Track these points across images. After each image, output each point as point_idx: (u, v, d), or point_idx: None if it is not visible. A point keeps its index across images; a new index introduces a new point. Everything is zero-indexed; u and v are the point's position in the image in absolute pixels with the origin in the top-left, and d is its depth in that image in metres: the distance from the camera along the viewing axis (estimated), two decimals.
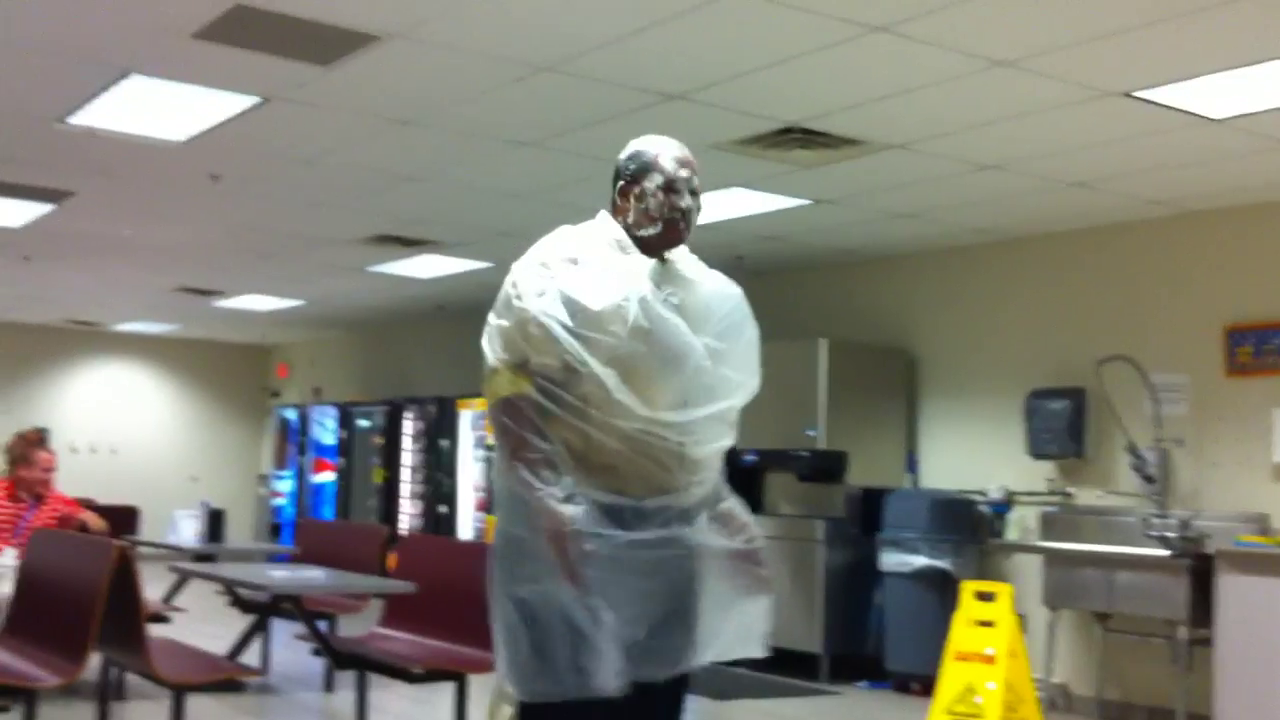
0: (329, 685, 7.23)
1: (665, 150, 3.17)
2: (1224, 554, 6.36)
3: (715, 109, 5.75)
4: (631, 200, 3.14)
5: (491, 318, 3.08)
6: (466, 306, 12.50)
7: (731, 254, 8.70)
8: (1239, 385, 6.99)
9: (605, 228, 3.16)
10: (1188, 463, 7.16)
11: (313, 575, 6.36)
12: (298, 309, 13.06)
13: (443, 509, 12.19)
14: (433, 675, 5.38)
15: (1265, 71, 4.97)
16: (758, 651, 3.19)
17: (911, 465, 8.69)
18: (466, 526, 11.92)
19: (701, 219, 7.35)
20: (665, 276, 3.12)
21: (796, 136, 6.11)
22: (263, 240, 9.32)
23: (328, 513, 14.01)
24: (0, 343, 15.38)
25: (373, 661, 5.58)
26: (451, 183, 7.42)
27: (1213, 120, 5.58)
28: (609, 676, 2.93)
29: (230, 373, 16.54)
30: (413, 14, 4.81)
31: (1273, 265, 6.94)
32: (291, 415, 15.34)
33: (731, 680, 8.14)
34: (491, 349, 3.04)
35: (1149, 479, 7.01)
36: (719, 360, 3.10)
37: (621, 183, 3.18)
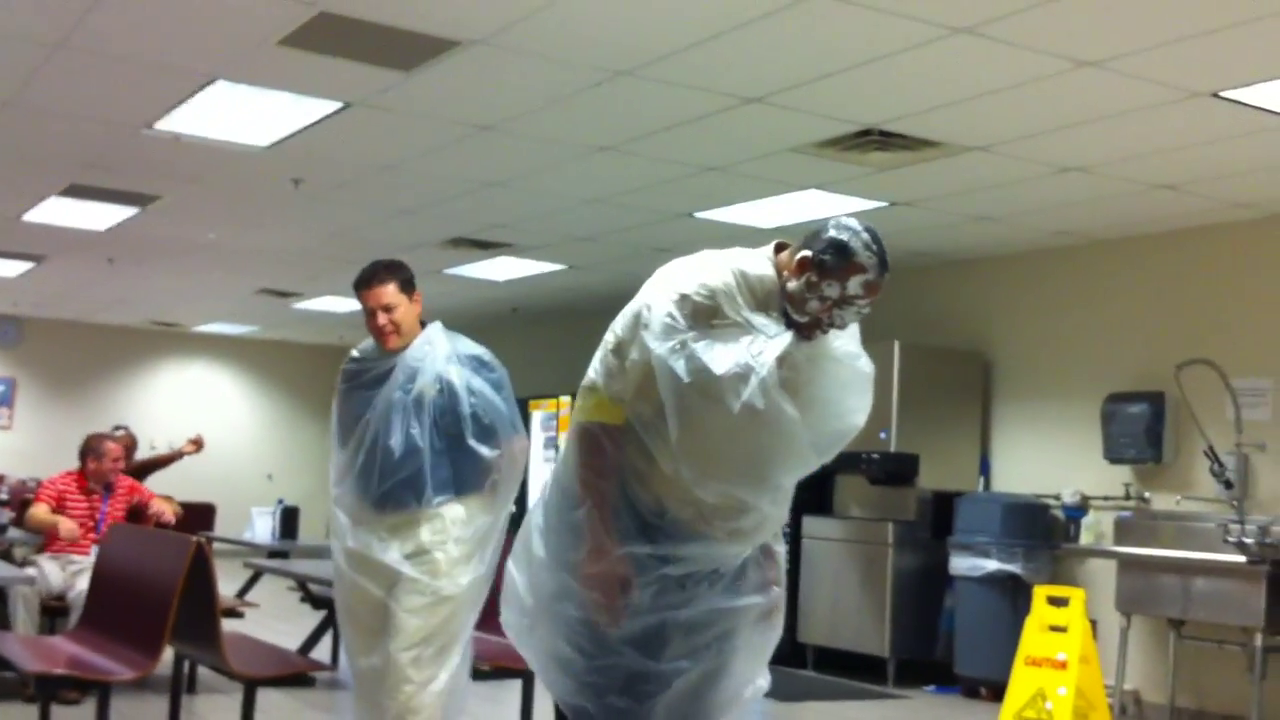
0: None
1: (866, 273, 2.87)
2: None
3: (793, 112, 5.76)
4: (804, 278, 2.90)
5: (612, 329, 3.00)
6: (540, 308, 12.58)
7: None
8: None
9: (763, 271, 2.97)
10: (1268, 468, 7.06)
11: None
12: None
13: (512, 508, 12.24)
14: (500, 673, 5.42)
15: None
16: (765, 688, 3.20)
17: (984, 469, 8.64)
18: None
19: (777, 221, 7.37)
20: (802, 347, 2.94)
21: (874, 139, 6.11)
22: (342, 244, 9.46)
23: None
24: (84, 344, 15.71)
25: None
26: (529, 187, 7.49)
27: None
28: None
29: (307, 373, 16.75)
30: (494, 20, 4.87)
31: None
32: None
33: (798, 682, 8.15)
34: (603, 366, 2.97)
35: (1228, 484, 6.92)
36: (816, 449, 2.99)
37: (805, 254, 2.91)
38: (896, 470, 8.32)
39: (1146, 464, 7.60)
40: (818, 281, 2.88)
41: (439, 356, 4.16)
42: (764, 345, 2.87)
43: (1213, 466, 6.95)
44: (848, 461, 8.52)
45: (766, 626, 3.15)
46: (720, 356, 2.82)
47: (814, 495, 8.72)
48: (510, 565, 3.20)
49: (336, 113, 6.13)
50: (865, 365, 3.07)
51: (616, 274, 10.22)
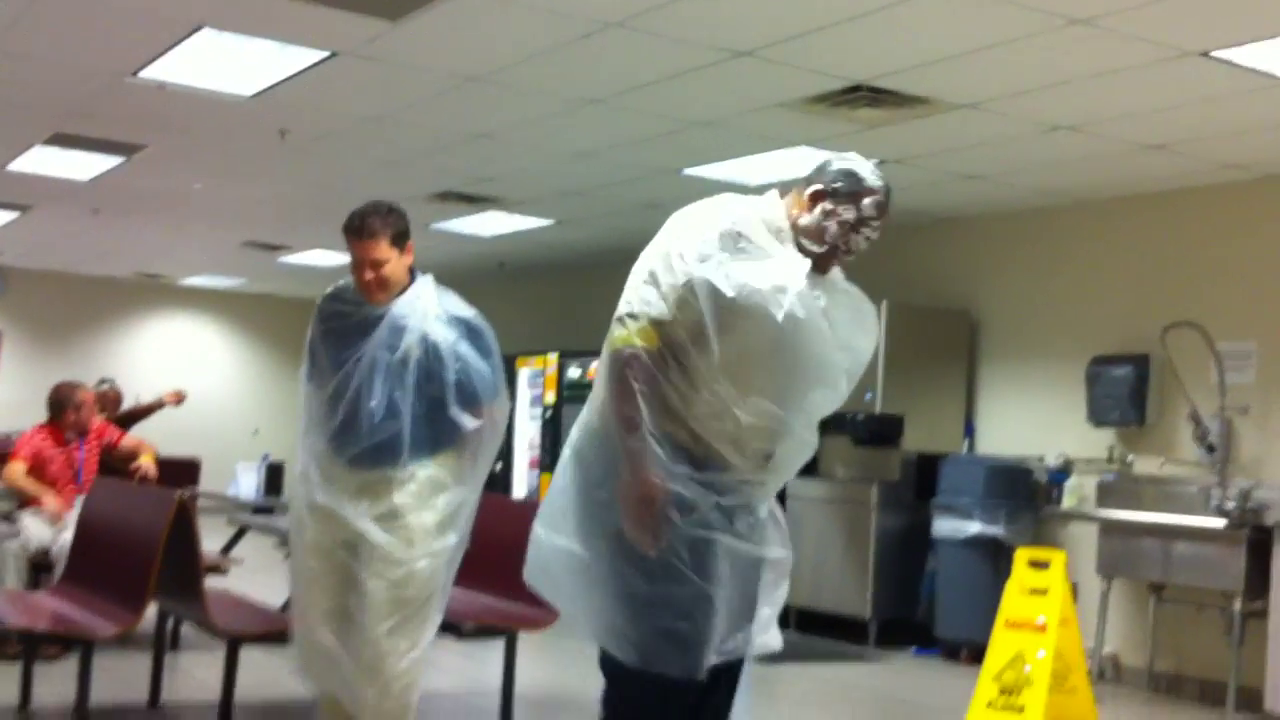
0: None
1: (876, 194, 3.15)
2: None
3: (783, 66, 5.73)
4: (818, 209, 3.14)
5: (640, 267, 3.09)
6: (527, 264, 12.55)
7: None
8: None
9: (773, 212, 3.15)
10: (1251, 432, 7.08)
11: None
12: None
13: (498, 467, 12.27)
14: (483, 631, 5.41)
15: None
16: (777, 645, 3.34)
17: (969, 430, 8.65)
18: (521, 484, 12.01)
19: (765, 178, 7.36)
20: (815, 280, 3.13)
21: (864, 95, 6.08)
22: (329, 196, 9.39)
23: None
24: (69, 295, 15.63)
25: None
26: (518, 141, 7.45)
27: None
28: (710, 656, 3.08)
29: (293, 328, 16.52)
30: None
31: None
32: None
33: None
34: (637, 296, 3.04)
35: (1211, 448, 6.95)
36: (842, 374, 3.18)
37: (818, 186, 3.15)
38: (882, 431, 8.33)
39: (1130, 427, 7.62)
40: (833, 208, 3.12)
41: (427, 314, 4.07)
42: (792, 263, 3.06)
43: (1196, 430, 6.97)
44: (833, 422, 8.43)
45: (775, 588, 3.28)
46: (760, 272, 3.00)
47: None
48: (539, 528, 3.22)
49: (323, 62, 6.08)
50: (869, 305, 3.28)
51: (604, 230, 10.19)
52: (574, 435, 3.22)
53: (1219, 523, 6.56)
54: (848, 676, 7.38)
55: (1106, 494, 7.52)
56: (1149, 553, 6.96)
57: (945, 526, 7.85)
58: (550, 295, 13.32)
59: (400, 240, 4.11)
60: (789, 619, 8.61)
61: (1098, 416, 7.70)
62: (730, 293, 2.96)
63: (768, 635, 3.29)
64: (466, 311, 4.18)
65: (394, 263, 4.08)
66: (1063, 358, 8.06)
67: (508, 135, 7.34)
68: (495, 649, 5.65)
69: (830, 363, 3.13)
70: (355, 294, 4.15)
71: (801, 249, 3.13)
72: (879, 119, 6.46)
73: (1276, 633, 6.25)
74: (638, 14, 5.18)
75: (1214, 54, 5.22)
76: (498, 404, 4.12)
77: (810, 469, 8.84)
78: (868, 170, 3.16)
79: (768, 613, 3.28)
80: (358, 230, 4.06)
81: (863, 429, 8.35)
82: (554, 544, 3.18)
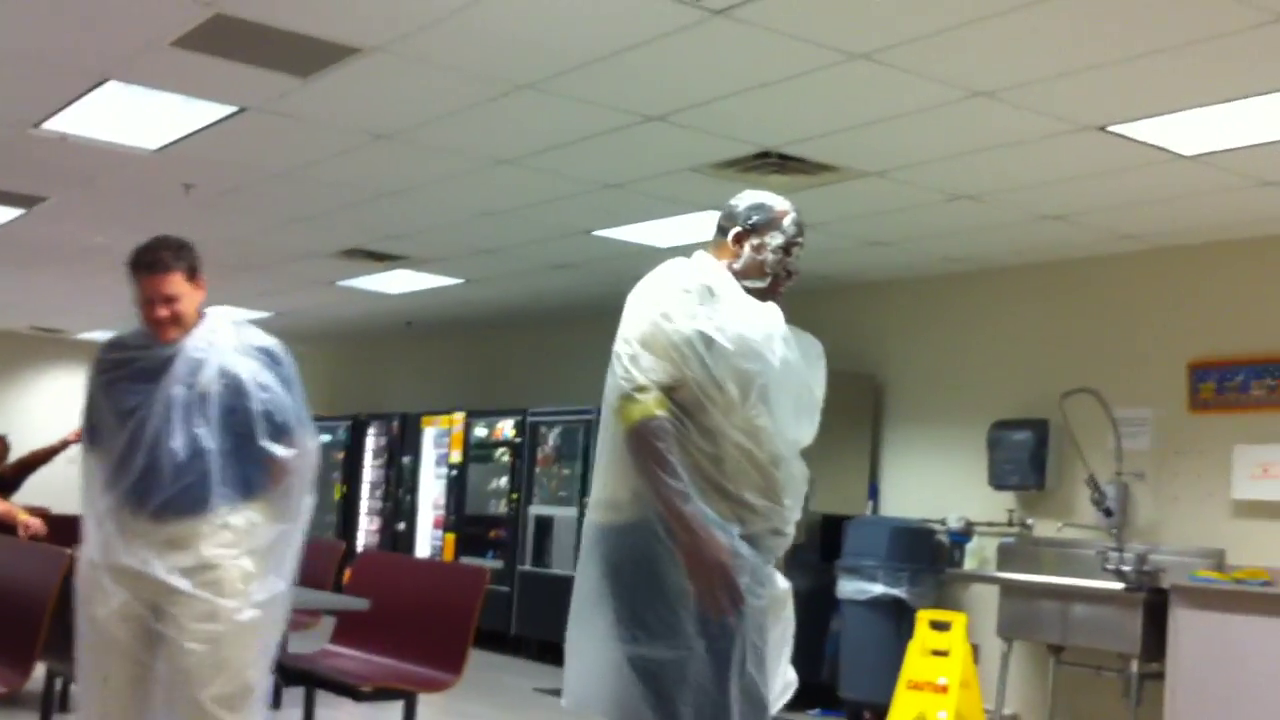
0: (276, 702, 7.08)
1: (789, 212, 3.31)
2: (1179, 589, 6.43)
3: (693, 131, 5.79)
4: (746, 249, 3.26)
5: (628, 344, 3.08)
6: (435, 323, 12.48)
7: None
8: (1201, 421, 7.08)
9: (716, 268, 3.22)
10: (1147, 497, 7.23)
11: None
12: (265, 321, 12.99)
13: (401, 526, 12.14)
14: (381, 694, 5.32)
15: (1235, 109, 5.05)
16: (794, 680, 3.28)
17: (873, 493, 8.73)
18: (424, 544, 11.86)
19: (674, 241, 7.38)
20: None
21: (773, 161, 6.16)
22: (234, 252, 9.28)
23: None
24: None
25: (321, 678, 5.50)
26: (427, 199, 7.42)
27: (1184, 156, 5.67)
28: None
29: None
30: (394, 28, 4.82)
31: (1238, 302, 7.04)
32: None
33: None
34: (637, 370, 3.03)
35: (1108, 512, 7.08)
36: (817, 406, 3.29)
37: (738, 229, 3.28)
38: None
39: (1030, 491, 7.74)
40: (760, 241, 3.25)
41: (225, 348, 3.79)
42: (768, 308, 3.19)
43: (1093, 495, 7.10)
44: None
45: (787, 624, 3.26)
46: (746, 321, 3.10)
47: None
48: (573, 638, 3.15)
49: (230, 117, 6.02)
50: (816, 341, 3.36)
51: (514, 289, 10.18)
52: (599, 547, 3.12)
53: (1116, 585, 6.67)
54: None
55: (1007, 556, 7.62)
56: (1048, 615, 7.05)
57: (849, 588, 7.89)
58: (458, 354, 13.25)
59: (193, 275, 3.85)
60: None
61: (998, 480, 7.81)
62: (729, 345, 3.04)
63: (788, 674, 3.27)
64: (267, 341, 3.91)
65: (188, 298, 3.81)
66: (965, 422, 8.17)
67: (417, 193, 7.31)
68: (394, 711, 5.55)
69: (811, 396, 3.26)
70: (140, 337, 3.87)
71: (748, 292, 3.21)
72: (787, 185, 6.53)
73: (1173, 694, 6.35)
74: (549, 77, 5.21)
75: (1110, 128, 5.38)
76: (308, 435, 3.86)
77: None
78: (768, 196, 3.33)
79: (786, 650, 3.28)
80: (149, 265, 3.79)
81: None
82: (618, 654, 3.05)
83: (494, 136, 6.11)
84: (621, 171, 6.58)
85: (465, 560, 10.76)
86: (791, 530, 3.22)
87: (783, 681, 3.24)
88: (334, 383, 15.00)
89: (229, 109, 5.92)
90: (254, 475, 3.77)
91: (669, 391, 3.00)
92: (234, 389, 3.75)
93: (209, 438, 3.68)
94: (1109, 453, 7.19)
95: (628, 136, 5.89)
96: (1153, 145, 5.54)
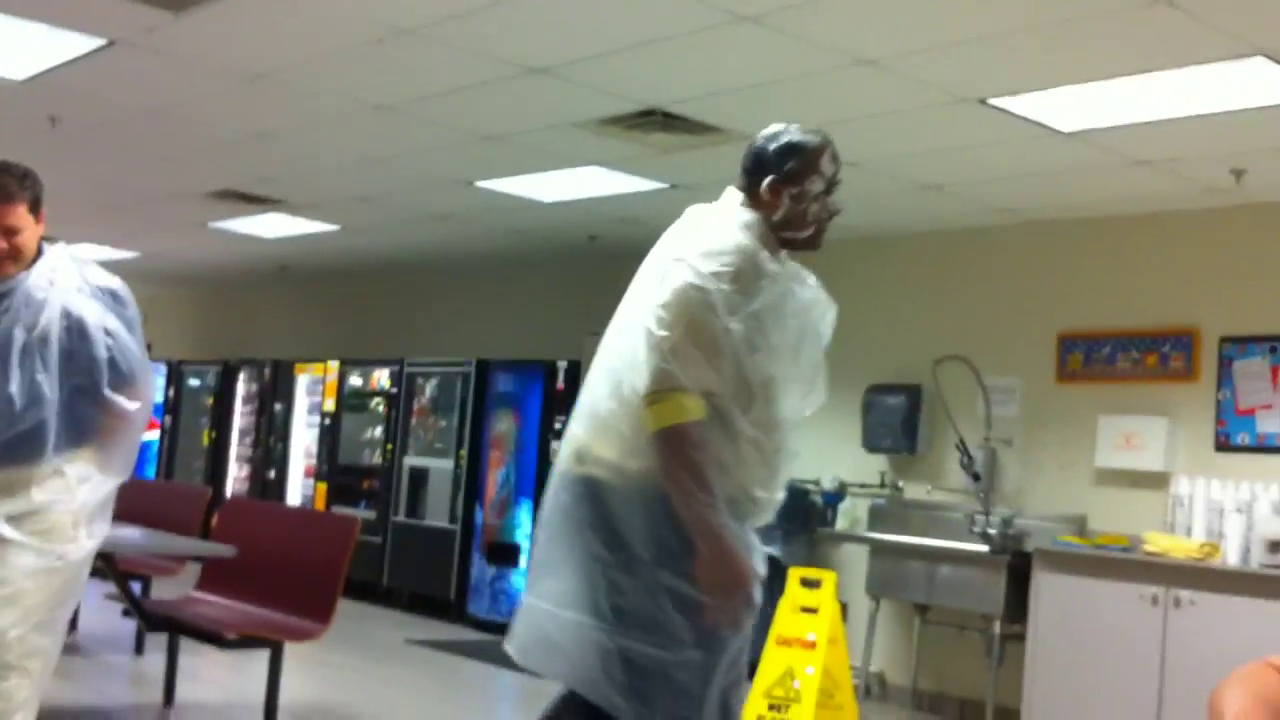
0: (139, 648, 7.05)
1: (825, 147, 3.04)
2: (1041, 553, 6.59)
3: (578, 86, 5.71)
4: (786, 199, 2.99)
5: (667, 327, 2.80)
6: (311, 269, 12.25)
7: (585, 233, 8.69)
8: (1068, 391, 7.24)
9: (758, 224, 2.99)
10: (1014, 463, 7.39)
11: (126, 533, 6.15)
12: (131, 261, 12.61)
13: (271, 474, 11.94)
14: (246, 642, 5.25)
15: (1112, 88, 5.13)
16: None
17: None
18: (295, 493, 11.69)
19: (557, 195, 7.25)
20: (794, 273, 3.08)
21: (658, 120, 6.11)
22: (102, 190, 8.97)
23: (151, 472, 13.60)
24: None
25: (185, 625, 5.42)
26: (303, 142, 7.24)
27: (1061, 133, 5.75)
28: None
29: None
30: None
31: (1107, 277, 7.19)
32: None
33: None
34: (678, 365, 2.77)
35: (976, 477, 7.22)
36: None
37: (770, 179, 2.99)
38: None
39: (901, 454, 7.86)
40: (800, 189, 2.99)
41: (67, 288, 3.62)
42: (789, 275, 3.02)
43: (962, 460, 7.24)
44: None
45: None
46: (784, 320, 2.96)
47: None
48: (543, 595, 2.94)
49: (99, 50, 5.79)
50: (828, 298, 3.22)
51: (392, 238, 10.01)
52: (592, 505, 2.89)
53: (982, 548, 6.82)
54: None
55: (877, 518, 7.75)
56: (915, 575, 7.18)
57: None
58: (334, 301, 13.03)
59: (36, 207, 3.68)
60: None
61: (871, 443, 7.92)
62: (763, 348, 2.88)
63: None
64: (111, 281, 3.74)
65: (30, 231, 3.63)
66: (840, 386, 8.18)
67: (293, 136, 7.13)
68: (259, 660, 5.47)
69: (819, 366, 3.10)
70: None
71: (785, 245, 3.03)
72: (672, 144, 6.51)
73: (1033, 655, 6.52)
74: (430, 24, 5.08)
75: (991, 101, 5.43)
76: (149, 384, 3.75)
77: None
78: (798, 133, 3.04)
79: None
80: None
81: None
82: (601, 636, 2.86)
83: (373, 82, 5.96)
84: (504, 123, 6.48)
85: (337, 510, 10.63)
86: (772, 516, 3.09)
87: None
88: (204, 327, 14.67)
89: (98, 41, 5.69)
90: (94, 424, 3.62)
91: (710, 395, 2.82)
92: (77, 332, 3.59)
93: (49, 385, 3.52)
94: (979, 419, 7.32)
95: (510, 88, 5.79)
96: (1031, 120, 5.61)
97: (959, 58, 4.96)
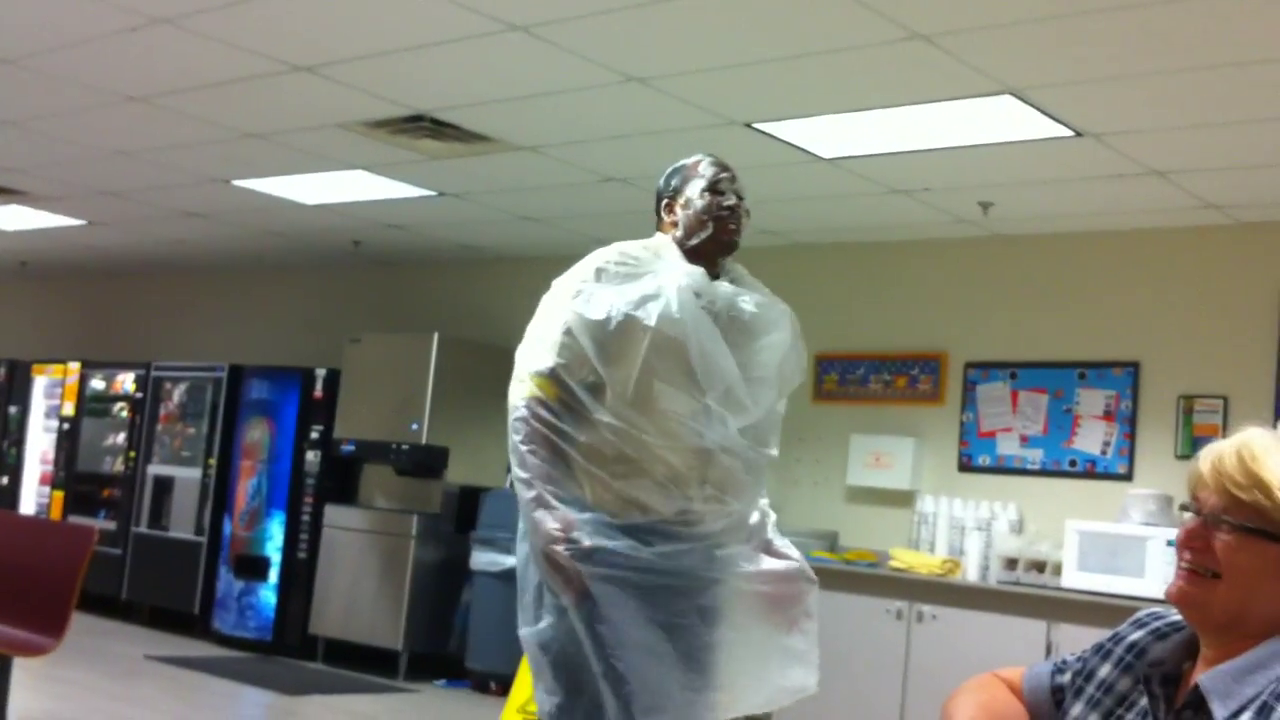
0: None
1: (702, 159, 3.25)
2: None
3: (344, 87, 5.56)
4: (678, 211, 3.21)
5: (531, 326, 3.09)
6: (53, 266, 11.64)
7: (349, 238, 8.46)
8: (823, 411, 7.43)
9: (652, 242, 3.21)
10: (771, 480, 7.49)
11: None
12: None
13: (4, 480, 11.26)
14: None
15: (871, 118, 5.30)
16: (811, 687, 3.21)
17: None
18: (29, 501, 11.04)
19: (320, 198, 7.07)
20: (709, 288, 3.11)
21: (426, 126, 6.01)
22: None
23: None
24: None
25: None
26: (48, 132, 6.84)
27: (822, 159, 5.90)
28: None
29: None
30: None
31: (862, 301, 7.43)
32: None
33: (305, 675, 7.94)
34: (521, 355, 3.03)
35: None
36: (757, 383, 3.10)
37: (665, 200, 3.25)
38: (425, 462, 8.25)
39: None
40: (686, 197, 3.19)
41: None
42: (670, 271, 3.08)
43: None
44: (376, 451, 8.39)
45: (803, 615, 3.23)
46: (629, 288, 3.02)
47: (337, 484, 8.53)
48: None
49: None
50: (780, 304, 3.27)
51: (142, 235, 9.58)
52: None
53: None
54: (375, 710, 7.21)
55: None
56: None
57: (483, 559, 7.85)
58: (77, 300, 12.40)
59: None
60: (317, 650, 8.36)
61: None
62: (598, 315, 2.96)
63: (787, 678, 3.15)
64: None
65: None
66: None
67: (37, 125, 6.73)
68: None
69: (726, 363, 3.05)
70: None
71: (698, 254, 3.14)
72: (441, 151, 6.40)
73: None
74: (189, 13, 4.87)
75: (756, 125, 5.53)
76: None
77: (349, 497, 8.70)
78: (682, 160, 3.29)
79: (798, 644, 3.17)
80: None
81: (407, 459, 8.25)
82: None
83: (125, 72, 5.68)
84: (265, 121, 6.26)
85: (74, 519, 10.08)
86: (712, 511, 3.07)
87: (774, 685, 3.15)
88: None
89: None
90: None
91: (554, 378, 2.96)
92: None
93: None
94: None
95: (273, 85, 5.60)
96: (794, 145, 5.74)
97: (727, 81, 5.03)
